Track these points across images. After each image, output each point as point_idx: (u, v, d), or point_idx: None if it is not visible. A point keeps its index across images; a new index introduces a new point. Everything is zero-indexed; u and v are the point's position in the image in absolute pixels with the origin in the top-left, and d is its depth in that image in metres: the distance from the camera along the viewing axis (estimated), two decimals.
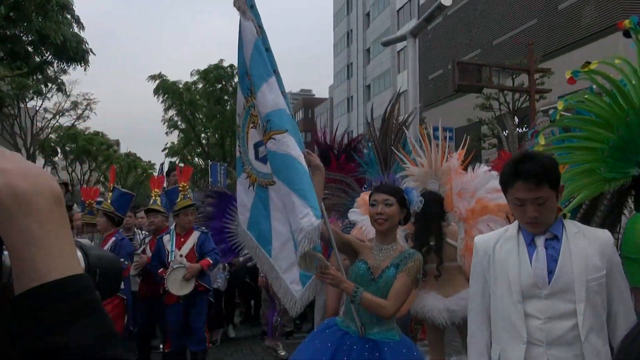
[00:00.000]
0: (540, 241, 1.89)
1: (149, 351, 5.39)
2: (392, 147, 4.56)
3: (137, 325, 4.92)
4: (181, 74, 58.88)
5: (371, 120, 5.12)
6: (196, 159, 31.45)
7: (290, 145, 2.51)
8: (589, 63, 2.52)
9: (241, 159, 2.94)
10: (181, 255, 4.65)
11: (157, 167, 15.42)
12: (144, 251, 5.15)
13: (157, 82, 27.61)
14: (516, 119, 16.64)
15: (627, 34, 2.49)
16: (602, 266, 1.82)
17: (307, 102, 54.86)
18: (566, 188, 2.58)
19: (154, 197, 5.29)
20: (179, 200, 4.79)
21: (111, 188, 5.20)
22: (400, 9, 33.95)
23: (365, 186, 4.72)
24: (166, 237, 4.82)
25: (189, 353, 4.71)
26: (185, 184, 4.89)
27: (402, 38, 6.68)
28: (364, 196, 4.14)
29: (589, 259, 1.82)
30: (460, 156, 3.65)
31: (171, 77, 28.12)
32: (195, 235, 4.74)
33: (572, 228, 1.91)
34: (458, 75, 13.89)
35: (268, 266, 2.76)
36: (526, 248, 1.90)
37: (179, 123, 29.47)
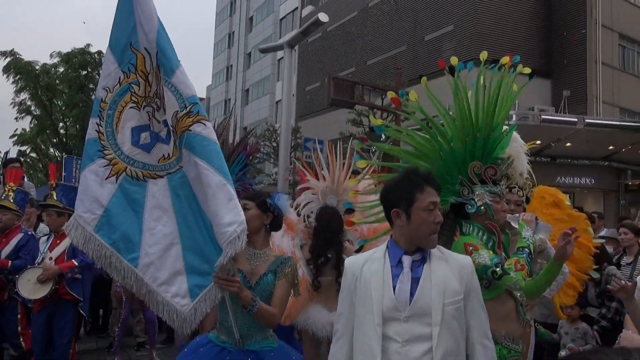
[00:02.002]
0: (407, 262, 1.92)
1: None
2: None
3: None
4: (39, 54, 53.04)
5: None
6: (51, 150, 28.42)
7: (215, 135, 2.35)
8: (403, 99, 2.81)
9: (100, 141, 2.42)
10: (50, 258, 4.22)
11: (2, 155, 13.63)
12: None
13: (8, 59, 24.48)
14: (383, 136, 17.78)
15: (451, 71, 2.79)
16: (460, 290, 1.88)
17: None
18: None
19: (6, 192, 4.76)
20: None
21: None
22: (283, 18, 34.38)
23: None
24: (44, 238, 4.46)
25: None
26: (53, 183, 4.62)
27: (279, 47, 6.76)
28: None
29: (448, 283, 1.87)
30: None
31: (26, 56, 25.18)
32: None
33: (437, 252, 1.97)
34: (333, 90, 14.42)
35: (133, 279, 2.31)
36: (391, 270, 1.92)
37: (33, 108, 26.39)
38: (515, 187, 3.49)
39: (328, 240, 3.54)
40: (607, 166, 16.70)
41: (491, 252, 2.41)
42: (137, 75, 2.43)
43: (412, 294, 1.87)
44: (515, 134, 3.45)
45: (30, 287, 4.06)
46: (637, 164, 16.85)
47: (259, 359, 2.33)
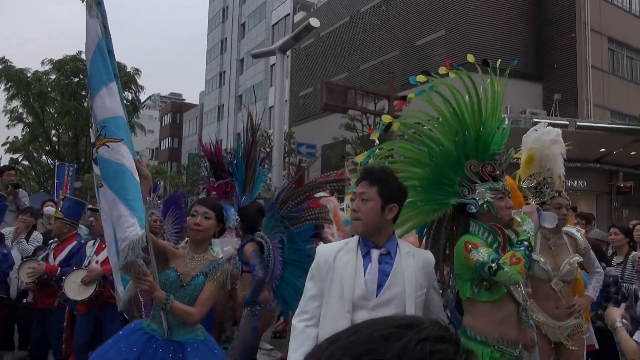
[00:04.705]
0: (375, 255, 2.06)
1: None
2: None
3: (32, 340, 4.66)
4: (30, 61, 52.96)
5: (244, 135, 5.01)
6: (44, 157, 28.29)
7: (125, 155, 2.54)
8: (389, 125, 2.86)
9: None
10: (97, 262, 4.37)
11: None
12: (46, 258, 4.67)
13: (0, 67, 24.38)
14: (376, 141, 17.87)
15: (485, 63, 2.78)
16: (424, 284, 2.06)
17: (176, 107, 52.70)
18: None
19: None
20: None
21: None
22: (275, 24, 34.47)
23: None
24: (90, 242, 4.65)
25: None
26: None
27: (271, 52, 6.80)
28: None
29: (417, 278, 2.03)
30: None
31: (18, 64, 25.10)
32: None
33: (405, 247, 2.11)
34: (326, 95, 14.46)
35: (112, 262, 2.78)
36: (362, 261, 2.05)
37: (25, 116, 26.29)
38: (562, 191, 3.42)
39: None
40: (599, 168, 16.83)
41: (490, 249, 2.37)
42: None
43: (380, 286, 2.01)
44: (557, 136, 3.37)
45: (75, 288, 4.22)
46: (628, 165, 17.00)
47: (182, 349, 2.53)
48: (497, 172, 2.53)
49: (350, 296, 2.00)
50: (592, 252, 3.70)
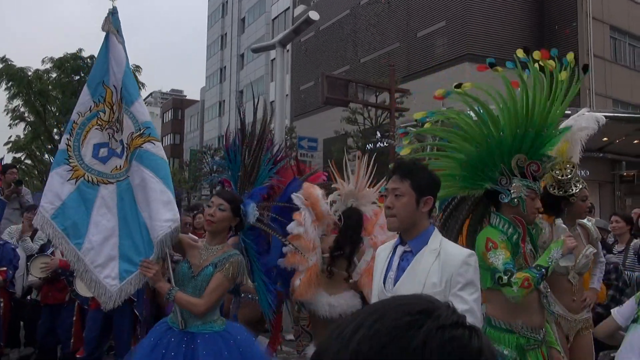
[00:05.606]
0: (399, 252, 2.08)
1: None
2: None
3: (39, 336, 4.79)
4: (30, 60, 52.95)
5: (242, 126, 4.88)
6: (46, 156, 28.31)
7: (163, 152, 2.95)
8: (460, 85, 2.82)
9: (67, 152, 3.11)
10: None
11: None
12: (53, 253, 4.72)
13: (0, 66, 24.35)
14: (378, 134, 17.87)
15: (492, 65, 2.83)
16: (439, 283, 1.91)
17: (177, 103, 52.71)
18: None
19: None
20: None
21: None
22: (275, 18, 34.37)
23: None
24: None
25: None
26: None
27: (271, 47, 6.79)
28: (310, 188, 4.29)
29: (429, 276, 1.92)
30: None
31: (18, 63, 25.06)
32: None
33: (434, 244, 1.98)
34: (327, 89, 14.42)
35: (75, 259, 2.90)
36: (390, 258, 2.09)
37: (27, 115, 26.28)
38: (584, 182, 3.32)
39: (351, 237, 3.82)
40: (602, 158, 16.77)
41: (508, 253, 2.37)
42: (105, 105, 3.12)
43: (397, 282, 2.04)
44: (588, 122, 3.29)
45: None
46: (632, 154, 16.93)
47: (193, 339, 2.60)
48: (540, 173, 2.54)
49: (376, 290, 2.09)
50: (599, 243, 3.68)
